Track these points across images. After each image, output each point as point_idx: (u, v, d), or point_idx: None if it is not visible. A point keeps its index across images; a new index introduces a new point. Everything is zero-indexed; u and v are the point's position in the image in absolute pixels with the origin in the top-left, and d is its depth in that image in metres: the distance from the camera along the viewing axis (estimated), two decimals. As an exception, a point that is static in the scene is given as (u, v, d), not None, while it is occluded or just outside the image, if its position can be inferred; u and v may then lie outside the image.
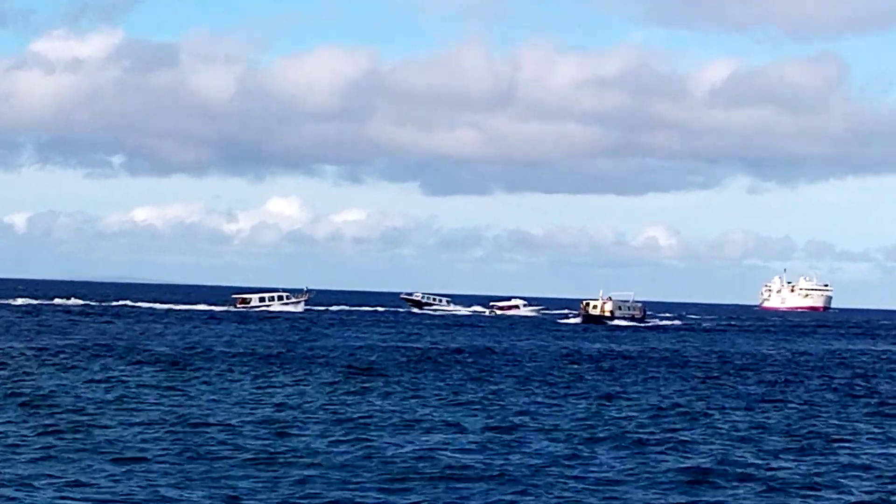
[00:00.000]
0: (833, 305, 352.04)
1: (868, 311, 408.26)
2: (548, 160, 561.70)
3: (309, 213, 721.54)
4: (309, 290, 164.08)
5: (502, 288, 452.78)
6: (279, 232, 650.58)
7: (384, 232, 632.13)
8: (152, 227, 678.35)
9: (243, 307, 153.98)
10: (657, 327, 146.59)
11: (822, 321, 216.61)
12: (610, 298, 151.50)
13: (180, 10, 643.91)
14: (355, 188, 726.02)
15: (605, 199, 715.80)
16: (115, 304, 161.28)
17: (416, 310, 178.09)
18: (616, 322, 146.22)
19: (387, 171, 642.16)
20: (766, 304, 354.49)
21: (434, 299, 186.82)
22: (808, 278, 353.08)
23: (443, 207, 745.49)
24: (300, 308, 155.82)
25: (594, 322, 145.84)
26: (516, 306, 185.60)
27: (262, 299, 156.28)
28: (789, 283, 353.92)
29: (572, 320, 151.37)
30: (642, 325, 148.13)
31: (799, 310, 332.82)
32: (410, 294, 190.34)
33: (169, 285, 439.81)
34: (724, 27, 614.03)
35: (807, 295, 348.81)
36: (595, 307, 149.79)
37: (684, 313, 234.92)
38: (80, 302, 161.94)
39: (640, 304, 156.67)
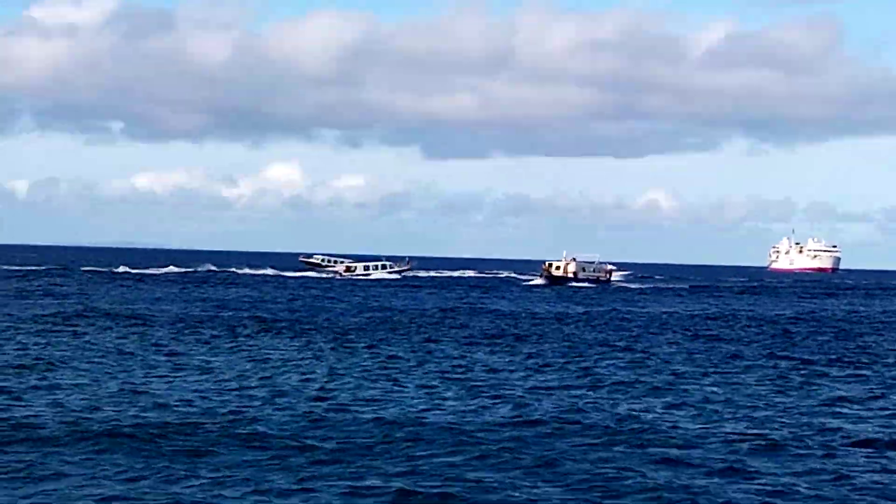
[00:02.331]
0: (840, 267, 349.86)
1: (874, 272, 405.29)
2: (546, 123, 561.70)
3: (308, 179, 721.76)
4: (410, 260, 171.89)
5: (504, 251, 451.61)
6: (279, 197, 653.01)
7: (384, 196, 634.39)
8: (152, 193, 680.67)
9: (349, 275, 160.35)
10: (619, 289, 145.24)
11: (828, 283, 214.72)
12: (574, 259, 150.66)
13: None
14: (354, 153, 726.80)
15: (604, 161, 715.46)
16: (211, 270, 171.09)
17: (313, 272, 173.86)
18: (579, 283, 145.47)
19: (386, 136, 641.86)
20: (774, 266, 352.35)
21: (334, 261, 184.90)
22: (816, 239, 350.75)
23: (442, 171, 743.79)
24: (395, 276, 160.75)
25: (557, 283, 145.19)
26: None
27: (366, 268, 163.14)
28: (797, 244, 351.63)
29: (535, 281, 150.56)
30: (607, 286, 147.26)
31: (808, 271, 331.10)
32: (309, 255, 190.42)
33: (173, 251, 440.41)
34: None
35: (815, 256, 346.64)
36: (558, 268, 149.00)
37: (654, 276, 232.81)
38: (178, 269, 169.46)
39: (605, 266, 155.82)
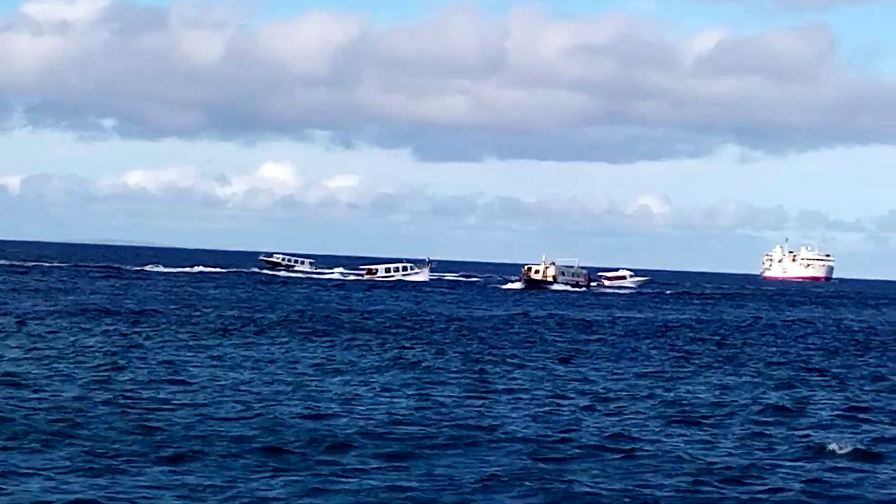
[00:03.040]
0: (833, 276, 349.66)
1: (867, 281, 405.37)
2: (538, 127, 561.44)
3: (301, 179, 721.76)
4: (431, 261, 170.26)
5: (495, 255, 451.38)
6: (272, 197, 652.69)
7: (377, 198, 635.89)
8: (145, 191, 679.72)
9: (370, 278, 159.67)
10: (600, 294, 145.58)
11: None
12: (553, 263, 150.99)
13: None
14: (347, 154, 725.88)
15: (596, 166, 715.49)
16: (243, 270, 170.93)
17: (270, 271, 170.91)
18: (557, 287, 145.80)
19: (378, 137, 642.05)
20: (767, 274, 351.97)
21: (294, 261, 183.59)
22: (809, 248, 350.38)
23: (435, 174, 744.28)
24: (424, 277, 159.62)
25: (535, 287, 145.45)
26: (623, 277, 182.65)
27: (387, 270, 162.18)
28: (791, 252, 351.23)
29: (514, 285, 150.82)
30: (587, 291, 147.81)
31: (800, 280, 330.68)
32: (270, 255, 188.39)
33: (165, 249, 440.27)
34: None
35: (808, 265, 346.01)
36: (537, 272, 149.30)
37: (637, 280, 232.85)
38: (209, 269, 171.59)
39: (584, 271, 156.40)
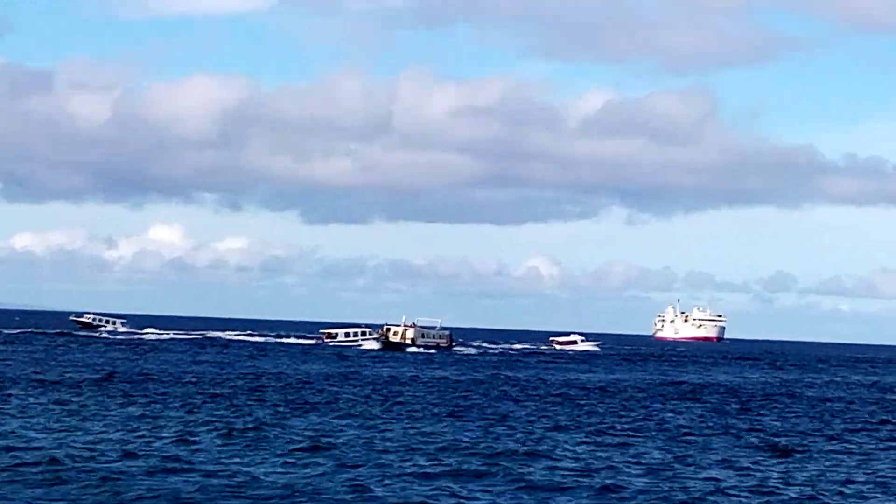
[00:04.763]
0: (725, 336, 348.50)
1: (757, 341, 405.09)
2: (426, 189, 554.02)
3: (190, 241, 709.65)
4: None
5: (387, 317, 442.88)
6: (161, 259, 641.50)
7: (266, 260, 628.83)
8: (32, 254, 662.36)
9: (330, 341, 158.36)
10: (461, 355, 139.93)
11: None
12: (414, 325, 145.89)
13: (56, 37, 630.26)
14: (235, 216, 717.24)
15: (485, 228, 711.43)
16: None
17: (85, 332, 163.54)
18: (416, 349, 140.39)
19: (266, 200, 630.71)
20: (659, 335, 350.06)
21: (106, 321, 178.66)
22: (701, 308, 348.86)
23: (324, 236, 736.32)
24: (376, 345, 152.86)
25: (393, 348, 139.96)
26: (574, 342, 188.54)
27: (346, 334, 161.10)
28: (683, 313, 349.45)
29: (368, 345, 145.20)
30: (446, 352, 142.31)
31: (693, 340, 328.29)
32: (80, 315, 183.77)
33: (54, 312, 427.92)
34: (605, 60, 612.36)
35: (700, 325, 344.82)
36: (395, 333, 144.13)
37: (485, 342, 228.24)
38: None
39: (447, 333, 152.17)
